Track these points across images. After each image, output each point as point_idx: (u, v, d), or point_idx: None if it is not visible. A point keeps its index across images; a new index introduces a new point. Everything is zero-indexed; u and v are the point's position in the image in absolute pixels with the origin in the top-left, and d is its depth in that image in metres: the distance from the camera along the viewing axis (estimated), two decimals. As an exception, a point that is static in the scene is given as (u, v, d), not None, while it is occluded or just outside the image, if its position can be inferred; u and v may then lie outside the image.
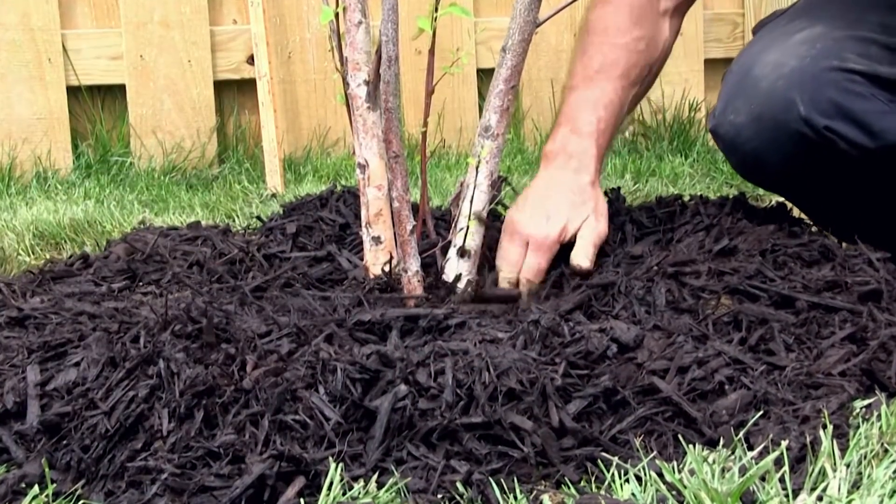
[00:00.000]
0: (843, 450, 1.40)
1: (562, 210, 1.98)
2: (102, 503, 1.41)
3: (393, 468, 1.43)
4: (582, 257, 1.97)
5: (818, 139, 1.98)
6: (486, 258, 1.98)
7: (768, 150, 2.03)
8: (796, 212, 2.24)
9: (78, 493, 1.42)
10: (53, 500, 1.40)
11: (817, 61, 2.00)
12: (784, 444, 1.38)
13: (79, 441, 1.48)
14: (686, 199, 2.23)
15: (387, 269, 1.86)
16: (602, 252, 2.05)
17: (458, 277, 1.89)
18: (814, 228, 2.12)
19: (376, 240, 1.86)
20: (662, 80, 3.54)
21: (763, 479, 1.32)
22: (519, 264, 1.97)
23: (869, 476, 1.33)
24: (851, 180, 2.05)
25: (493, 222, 2.00)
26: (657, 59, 2.13)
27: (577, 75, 2.08)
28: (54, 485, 1.42)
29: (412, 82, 3.36)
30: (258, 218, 2.40)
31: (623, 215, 2.16)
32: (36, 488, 1.39)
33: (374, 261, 1.87)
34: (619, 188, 2.27)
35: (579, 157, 2.02)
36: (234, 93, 3.41)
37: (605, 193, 2.27)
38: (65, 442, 1.49)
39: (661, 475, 1.36)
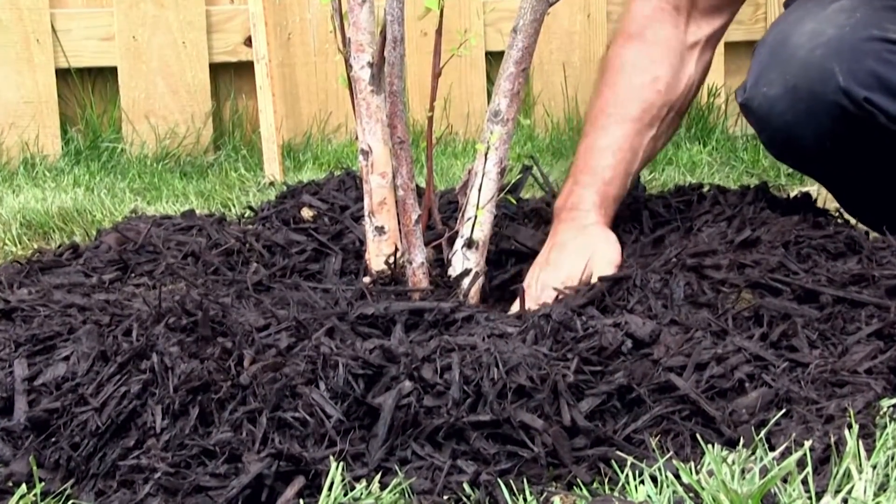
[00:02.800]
0: (870, 450, 1.40)
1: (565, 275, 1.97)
2: (93, 503, 1.41)
3: (397, 468, 1.43)
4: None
5: (857, 112, 1.96)
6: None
7: (803, 123, 2.01)
8: (821, 202, 2.23)
9: (67, 492, 1.43)
10: (42, 500, 1.41)
11: (857, 30, 1.98)
12: (807, 444, 1.38)
13: (68, 438, 1.48)
14: (705, 188, 2.23)
15: (391, 260, 1.86)
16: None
17: (466, 271, 1.90)
18: (840, 219, 2.12)
19: (380, 230, 1.86)
20: (680, 64, 3.54)
21: (785, 480, 1.32)
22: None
23: (896, 478, 1.33)
24: (888, 158, 2.03)
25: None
26: (678, 98, 2.11)
27: (589, 120, 2.09)
28: (42, 484, 1.43)
29: (418, 65, 3.36)
30: (249, 207, 2.41)
31: (640, 205, 2.16)
32: (23, 487, 1.40)
33: (378, 252, 1.87)
34: (637, 177, 2.27)
35: (583, 212, 2.02)
36: (230, 76, 3.41)
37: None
38: (53, 439, 1.49)
39: (677, 476, 1.36)
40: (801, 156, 2.12)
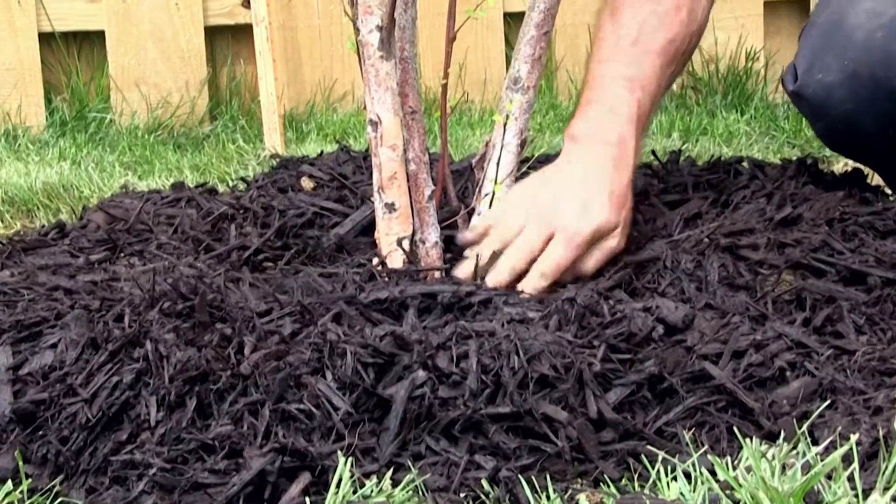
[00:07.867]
0: (921, 444, 1.40)
1: (604, 208, 1.86)
2: (83, 501, 1.43)
3: (409, 464, 1.44)
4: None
5: None
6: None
7: (864, 112, 2.00)
8: (871, 177, 2.23)
9: (56, 489, 1.44)
10: (29, 497, 1.42)
11: None
12: (854, 437, 1.38)
13: (56, 432, 1.49)
14: (743, 162, 2.23)
15: (405, 243, 1.85)
16: (647, 223, 2.05)
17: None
18: (891, 196, 2.12)
19: (390, 206, 1.86)
20: (715, 26, 3.53)
21: (829, 477, 1.32)
22: (535, 253, 1.85)
23: (949, 474, 1.34)
24: None
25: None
26: (697, 31, 2.01)
27: (608, 45, 1.97)
28: (29, 480, 1.44)
29: (430, 28, 3.36)
30: (242, 179, 2.42)
31: (672, 179, 2.17)
32: (9, 484, 1.41)
33: (388, 230, 1.88)
34: (678, 151, 2.27)
35: (621, 149, 1.90)
36: (227, 40, 3.41)
37: (648, 156, 2.27)
38: (41, 433, 1.50)
39: (713, 472, 1.36)
40: (860, 146, 2.11)
